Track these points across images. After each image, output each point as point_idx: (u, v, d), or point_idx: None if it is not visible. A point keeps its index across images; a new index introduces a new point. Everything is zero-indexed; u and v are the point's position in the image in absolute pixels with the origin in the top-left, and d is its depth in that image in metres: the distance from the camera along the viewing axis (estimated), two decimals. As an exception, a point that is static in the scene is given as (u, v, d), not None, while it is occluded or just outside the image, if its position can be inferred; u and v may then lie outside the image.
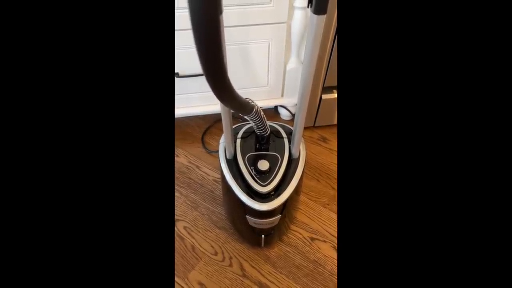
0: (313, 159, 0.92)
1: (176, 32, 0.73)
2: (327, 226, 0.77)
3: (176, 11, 0.69)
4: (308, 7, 0.40)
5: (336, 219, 0.78)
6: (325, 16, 0.40)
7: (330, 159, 0.92)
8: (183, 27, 0.72)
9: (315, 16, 0.40)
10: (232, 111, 0.56)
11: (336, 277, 0.68)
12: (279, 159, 0.62)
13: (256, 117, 0.55)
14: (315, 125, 0.99)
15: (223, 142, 0.65)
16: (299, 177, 0.62)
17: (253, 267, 0.70)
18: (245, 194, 0.59)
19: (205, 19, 0.26)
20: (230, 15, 0.72)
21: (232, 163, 0.63)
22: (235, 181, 0.61)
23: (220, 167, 0.64)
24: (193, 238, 0.75)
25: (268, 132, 0.63)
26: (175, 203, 0.82)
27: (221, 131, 0.62)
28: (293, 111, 1.00)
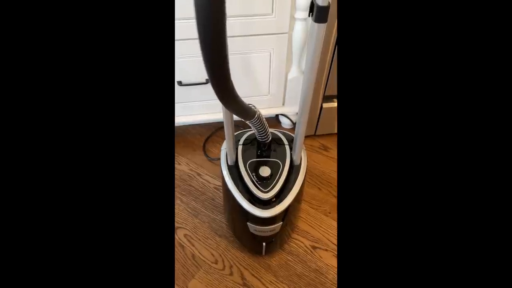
0: (314, 167, 0.92)
1: (179, 42, 0.75)
2: (328, 234, 0.76)
3: (180, 21, 0.71)
4: (309, 15, 0.41)
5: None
6: (325, 24, 0.42)
7: (331, 168, 0.92)
8: (186, 36, 0.74)
9: (316, 24, 0.41)
10: (234, 118, 0.57)
11: (338, 287, 0.67)
12: (280, 165, 0.62)
13: (258, 122, 0.55)
14: (316, 134, 1.00)
15: (224, 149, 0.66)
16: (300, 184, 0.62)
17: (253, 275, 0.69)
18: (246, 200, 0.59)
19: (212, 12, 0.26)
20: (233, 25, 0.74)
21: (234, 169, 0.63)
22: (236, 187, 0.61)
23: (222, 173, 0.64)
24: (193, 246, 0.74)
25: (270, 138, 0.64)
26: (176, 210, 0.81)
27: (223, 139, 0.63)
28: (294, 120, 1.01)
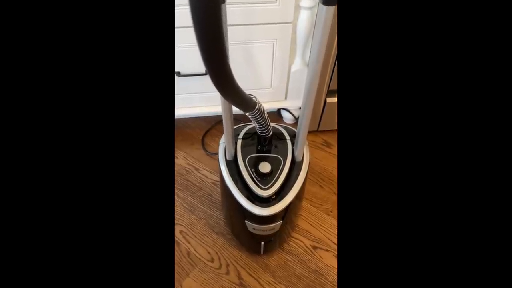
0: (316, 164, 0.89)
1: (177, 30, 0.71)
2: (329, 234, 0.73)
3: (179, 8, 0.67)
4: (317, -3, 0.38)
5: (339, 227, 0.75)
6: (335, 8, 0.38)
7: (333, 164, 0.89)
8: (184, 24, 0.70)
9: (325, 7, 0.38)
10: (233, 111, 0.53)
11: (339, 289, 0.64)
12: (281, 161, 0.59)
13: (258, 115, 0.52)
14: (319, 130, 0.96)
15: (223, 143, 0.63)
16: (302, 181, 0.59)
17: (251, 275, 0.66)
18: (244, 198, 0.56)
19: (205, 4, 0.23)
20: (234, 13, 0.70)
21: (232, 165, 0.60)
22: (235, 183, 0.58)
23: (220, 168, 0.61)
24: (189, 243, 0.71)
25: (271, 133, 0.60)
26: (172, 206, 0.79)
27: (222, 133, 0.60)
28: (296, 115, 0.97)
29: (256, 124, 0.57)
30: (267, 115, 0.55)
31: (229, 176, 0.59)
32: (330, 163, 0.89)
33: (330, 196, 0.81)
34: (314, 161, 0.90)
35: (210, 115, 0.92)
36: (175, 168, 0.87)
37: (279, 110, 1.01)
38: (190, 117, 1.00)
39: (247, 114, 0.51)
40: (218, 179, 0.84)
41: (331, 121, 0.95)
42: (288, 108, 0.96)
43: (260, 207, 0.55)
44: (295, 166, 0.60)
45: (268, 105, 0.91)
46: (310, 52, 0.45)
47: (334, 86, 0.85)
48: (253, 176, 0.57)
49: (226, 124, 0.55)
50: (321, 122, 0.94)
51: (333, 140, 0.96)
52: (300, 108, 0.97)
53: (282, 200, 0.56)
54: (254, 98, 0.49)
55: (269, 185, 0.56)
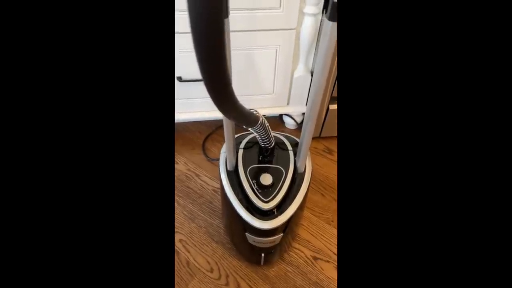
0: (318, 171, 0.88)
1: (179, 35, 0.70)
2: (330, 244, 0.72)
3: (180, 13, 0.66)
4: (322, 12, 0.36)
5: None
6: (341, 23, 0.37)
7: (335, 172, 0.88)
8: (186, 30, 0.69)
9: (330, 22, 0.36)
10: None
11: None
12: (283, 173, 0.58)
13: (260, 129, 0.51)
14: (321, 136, 0.95)
15: (224, 152, 0.62)
16: (304, 193, 0.58)
17: (250, 287, 0.65)
18: (245, 210, 0.55)
19: (207, 21, 0.22)
20: (237, 19, 0.69)
21: (233, 175, 0.59)
22: (235, 195, 0.57)
23: (220, 179, 0.60)
24: (188, 252, 0.71)
25: (273, 144, 0.59)
26: (172, 213, 0.78)
27: (223, 138, 0.59)
28: (298, 120, 0.96)
29: (259, 137, 0.56)
30: (269, 127, 0.54)
31: (230, 187, 0.58)
32: (332, 170, 0.88)
33: (331, 205, 0.80)
34: (315, 168, 0.89)
35: (211, 119, 0.91)
36: (176, 174, 0.86)
37: (281, 115, 1.00)
38: (190, 122, 0.99)
39: (249, 128, 0.50)
40: (218, 185, 0.83)
41: (334, 127, 0.93)
42: (290, 114, 0.95)
43: (261, 220, 0.54)
44: (297, 177, 0.59)
45: (270, 111, 0.90)
46: (315, 65, 0.44)
47: (337, 93, 0.83)
48: (254, 188, 0.56)
49: (228, 134, 0.54)
50: (323, 128, 0.93)
51: (335, 146, 0.95)
52: (302, 114, 0.96)
53: (283, 214, 0.55)
54: (255, 113, 0.48)
55: (270, 197, 0.55)
